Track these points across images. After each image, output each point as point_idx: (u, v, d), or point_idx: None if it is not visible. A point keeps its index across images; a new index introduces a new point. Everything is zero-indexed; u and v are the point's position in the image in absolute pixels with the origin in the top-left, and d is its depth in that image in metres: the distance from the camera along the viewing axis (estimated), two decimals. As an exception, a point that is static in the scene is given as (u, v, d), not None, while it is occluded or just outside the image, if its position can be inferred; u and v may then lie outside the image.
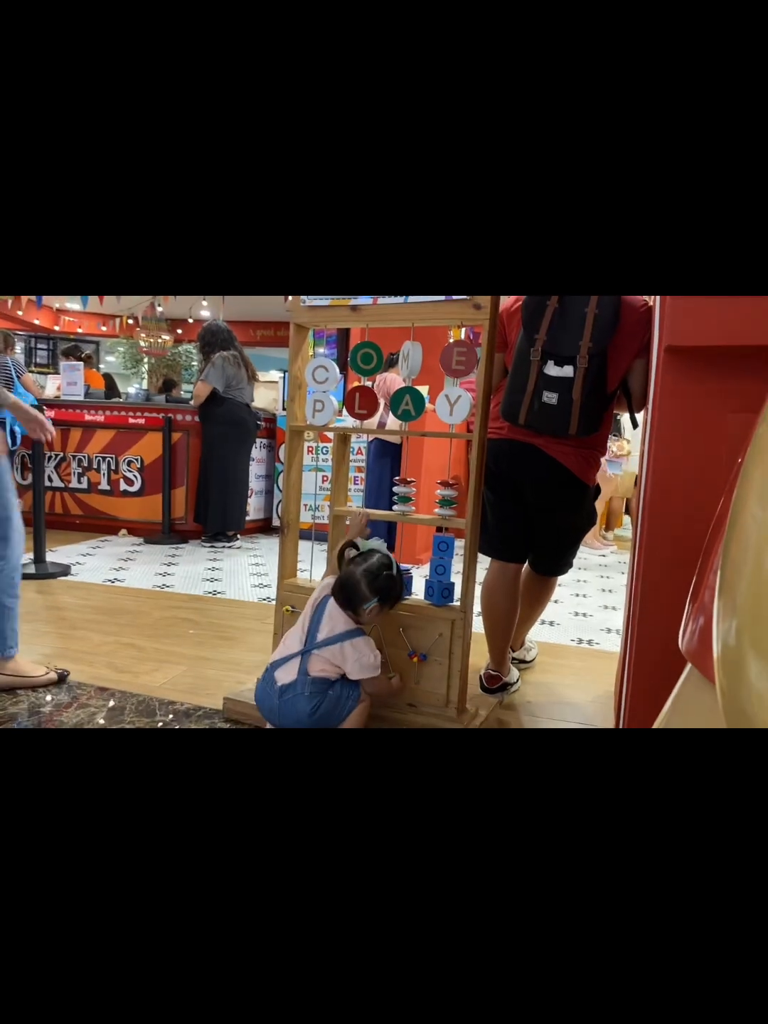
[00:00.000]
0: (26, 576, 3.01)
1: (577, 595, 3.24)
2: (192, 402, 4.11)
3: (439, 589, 1.59)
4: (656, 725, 0.56)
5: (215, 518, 4.09)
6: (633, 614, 1.07)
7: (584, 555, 4.35)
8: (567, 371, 1.53)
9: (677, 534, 1.02)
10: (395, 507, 1.66)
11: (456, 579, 1.59)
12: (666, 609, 1.04)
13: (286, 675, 1.43)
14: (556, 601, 2.96)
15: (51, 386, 5.14)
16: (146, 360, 10.70)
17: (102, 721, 1.63)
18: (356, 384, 1.66)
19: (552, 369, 1.53)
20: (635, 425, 1.71)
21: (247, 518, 4.36)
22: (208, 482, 4.09)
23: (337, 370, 1.65)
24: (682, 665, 1.01)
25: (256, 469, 4.55)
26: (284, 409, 4.71)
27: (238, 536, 4.24)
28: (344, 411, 1.69)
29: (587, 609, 2.99)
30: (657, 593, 1.04)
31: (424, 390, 1.72)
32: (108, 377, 5.94)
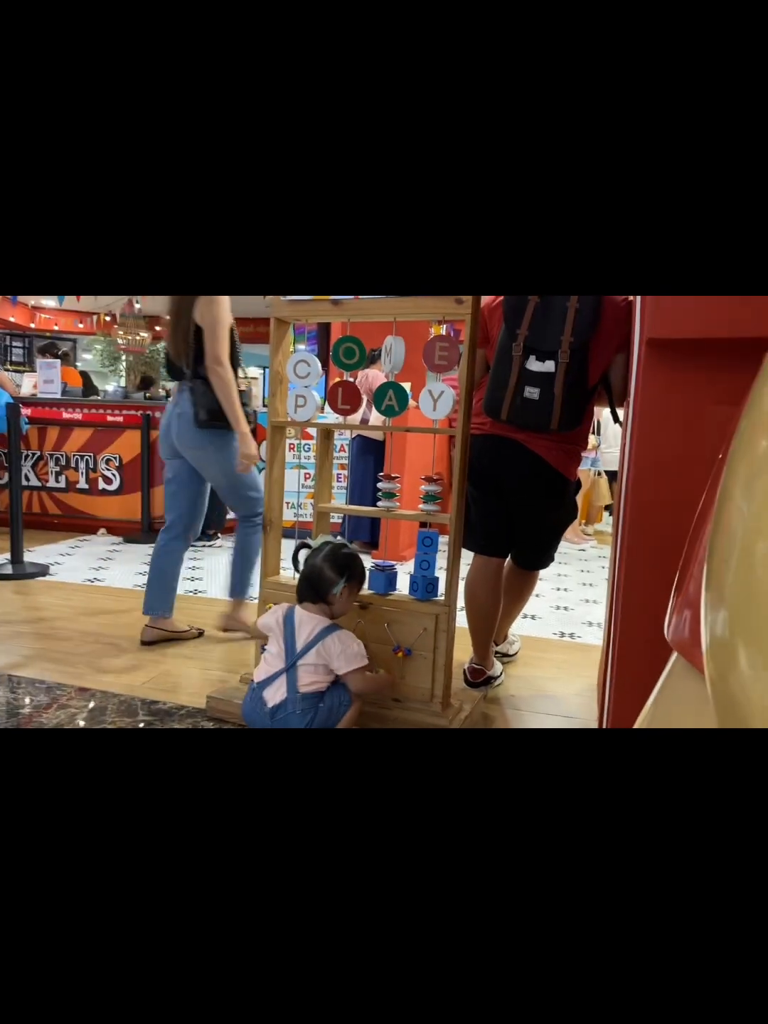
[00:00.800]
0: (1, 577, 2.96)
1: (558, 589, 3.26)
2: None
3: (423, 583, 1.59)
4: (643, 715, 0.56)
5: (196, 516, 4.05)
6: (616, 606, 1.08)
7: (564, 549, 4.38)
8: (549, 366, 1.53)
9: (660, 526, 1.03)
10: (380, 503, 1.66)
11: (440, 574, 1.59)
12: (649, 601, 1.05)
13: (275, 695, 1.42)
14: (537, 595, 2.98)
15: (27, 384, 5.05)
16: (124, 358, 10.57)
17: (83, 722, 1.61)
18: (339, 379, 1.65)
19: (534, 364, 1.54)
20: (616, 420, 1.73)
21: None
22: (188, 480, 4.05)
23: (319, 365, 1.64)
24: (666, 656, 1.02)
25: (237, 466, 4.51)
26: (264, 405, 4.68)
27: (219, 535, 4.21)
28: (326, 407, 1.68)
29: (568, 603, 3.01)
30: (640, 585, 1.05)
31: (406, 386, 1.72)
32: (85, 375, 5.85)
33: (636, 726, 0.57)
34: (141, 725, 1.60)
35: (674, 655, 0.58)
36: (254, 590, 2.01)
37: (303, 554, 1.54)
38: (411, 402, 1.68)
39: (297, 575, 1.54)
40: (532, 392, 1.55)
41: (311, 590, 1.48)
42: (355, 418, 2.11)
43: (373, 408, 3.65)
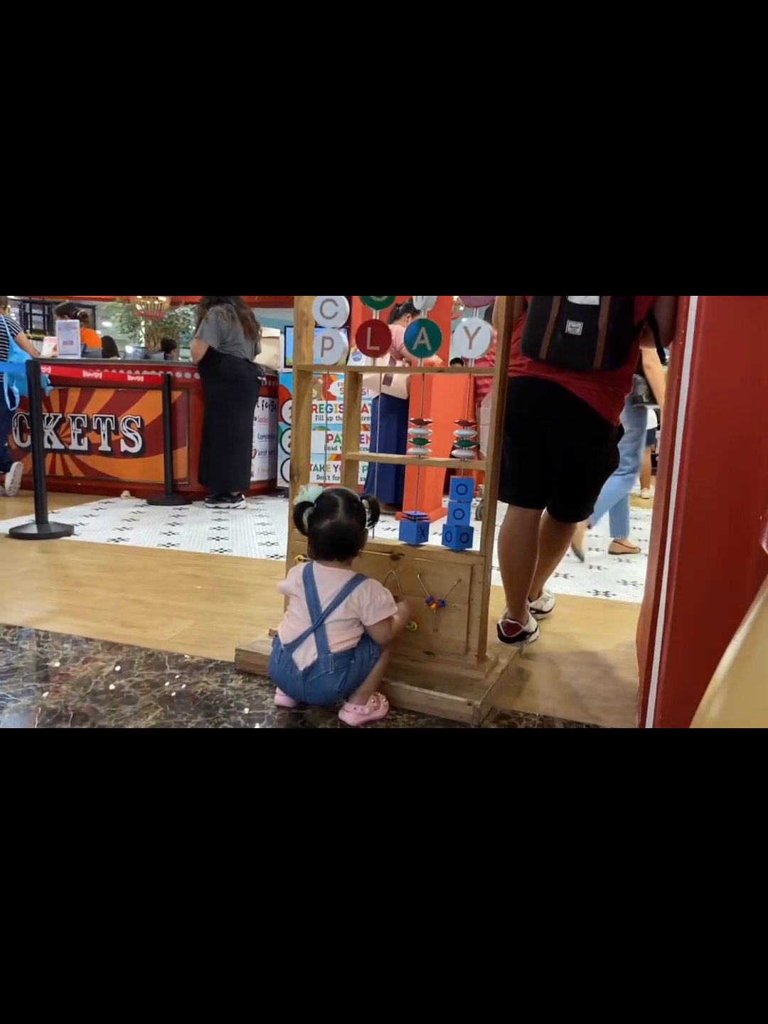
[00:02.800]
0: (27, 536, 2.95)
1: (590, 549, 3.17)
2: (191, 360, 4.00)
3: (457, 534, 1.52)
4: (742, 631, 0.50)
5: (218, 478, 4.01)
6: (673, 543, 1.00)
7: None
8: (592, 299, 1.43)
9: (724, 465, 0.94)
10: (411, 451, 1.58)
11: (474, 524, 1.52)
12: (713, 540, 0.97)
13: (305, 656, 1.36)
14: (570, 555, 2.90)
15: (47, 347, 5.01)
16: (143, 323, 10.47)
17: (108, 676, 1.58)
18: (367, 319, 1.57)
19: (576, 297, 1.44)
20: (663, 361, 1.63)
21: (252, 479, 4.28)
22: (210, 441, 4.00)
23: (346, 305, 1.56)
24: (730, 603, 0.92)
25: (259, 429, 4.45)
26: (287, 365, 4.59)
27: (243, 497, 4.17)
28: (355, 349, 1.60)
29: (602, 562, 2.93)
30: (702, 522, 0.97)
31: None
32: (107, 339, 5.80)
33: (730, 651, 0.50)
34: (171, 678, 1.57)
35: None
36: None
37: (307, 513, 1.41)
38: (436, 358, 1.60)
39: (308, 537, 1.42)
40: (575, 327, 1.45)
41: (342, 548, 1.40)
42: (383, 362, 2.03)
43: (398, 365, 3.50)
